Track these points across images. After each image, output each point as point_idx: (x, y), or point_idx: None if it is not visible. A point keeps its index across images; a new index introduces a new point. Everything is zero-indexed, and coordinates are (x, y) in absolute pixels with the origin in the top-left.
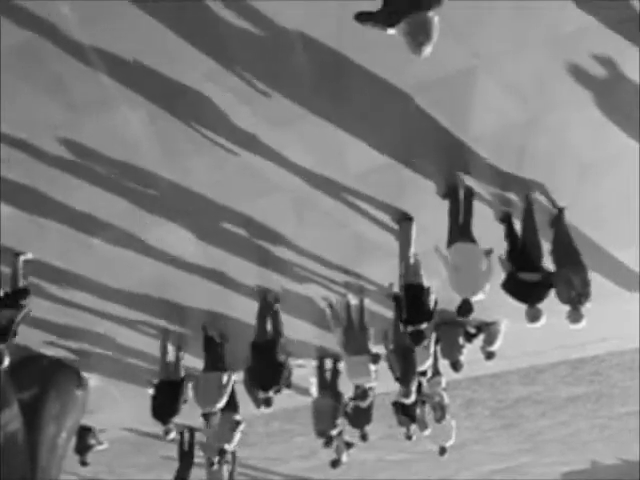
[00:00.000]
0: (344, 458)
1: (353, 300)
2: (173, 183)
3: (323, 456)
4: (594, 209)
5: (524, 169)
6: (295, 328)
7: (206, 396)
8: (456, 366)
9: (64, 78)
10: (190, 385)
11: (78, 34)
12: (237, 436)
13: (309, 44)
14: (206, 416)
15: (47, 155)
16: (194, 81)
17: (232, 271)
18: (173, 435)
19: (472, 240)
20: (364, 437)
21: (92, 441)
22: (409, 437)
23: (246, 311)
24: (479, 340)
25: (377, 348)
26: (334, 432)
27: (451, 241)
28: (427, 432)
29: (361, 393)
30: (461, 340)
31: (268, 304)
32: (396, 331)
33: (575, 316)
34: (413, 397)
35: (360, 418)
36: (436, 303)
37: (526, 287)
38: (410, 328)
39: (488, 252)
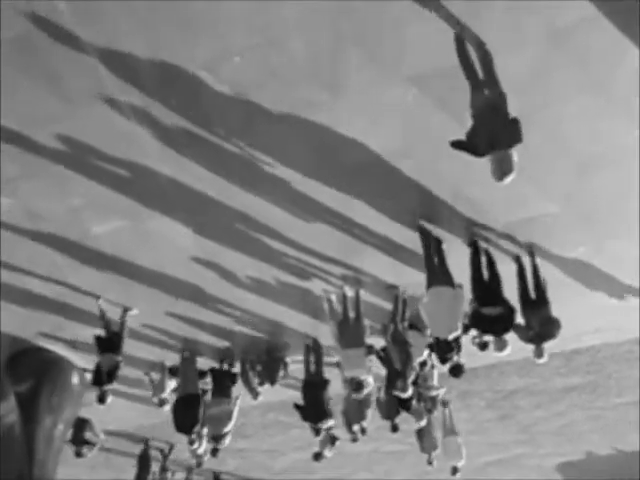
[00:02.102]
0: (327, 453)
1: (349, 292)
2: (169, 176)
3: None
4: (591, 202)
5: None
6: (291, 320)
7: (216, 421)
8: (445, 360)
9: (61, 71)
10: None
11: (74, 27)
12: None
13: (306, 34)
14: (216, 438)
15: (44, 148)
16: (190, 73)
17: (228, 264)
18: (197, 445)
19: (448, 283)
20: (363, 431)
21: (89, 433)
22: (394, 428)
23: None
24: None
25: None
26: (325, 425)
27: (428, 284)
28: (423, 422)
29: (356, 385)
30: None
31: (313, 348)
32: (394, 324)
33: (537, 352)
34: (410, 391)
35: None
36: None
37: (490, 321)
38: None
39: (459, 286)
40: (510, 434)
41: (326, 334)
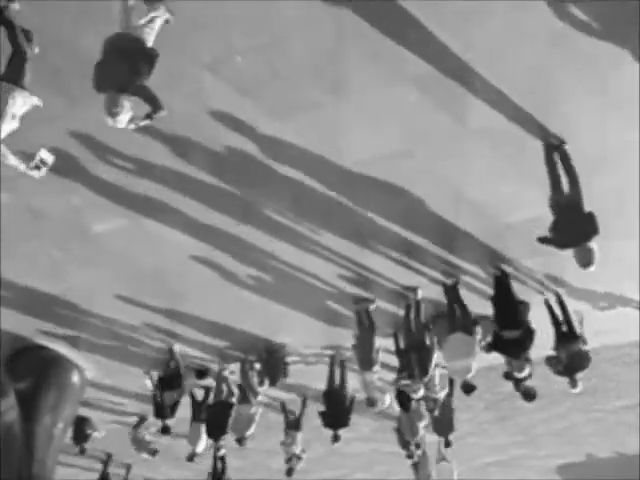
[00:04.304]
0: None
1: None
2: (172, 171)
3: (318, 448)
4: (592, 203)
5: (522, 165)
6: (291, 320)
7: (238, 426)
8: None
9: (63, 69)
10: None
11: (75, 24)
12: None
13: (308, 34)
14: (239, 440)
15: (45, 146)
16: (194, 71)
17: (228, 263)
18: (224, 451)
19: (468, 331)
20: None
21: (89, 430)
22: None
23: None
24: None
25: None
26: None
27: (450, 330)
28: (423, 422)
29: (369, 402)
30: None
31: (339, 362)
32: (407, 330)
33: (571, 383)
34: (422, 392)
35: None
36: None
37: (508, 344)
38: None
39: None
40: (509, 435)
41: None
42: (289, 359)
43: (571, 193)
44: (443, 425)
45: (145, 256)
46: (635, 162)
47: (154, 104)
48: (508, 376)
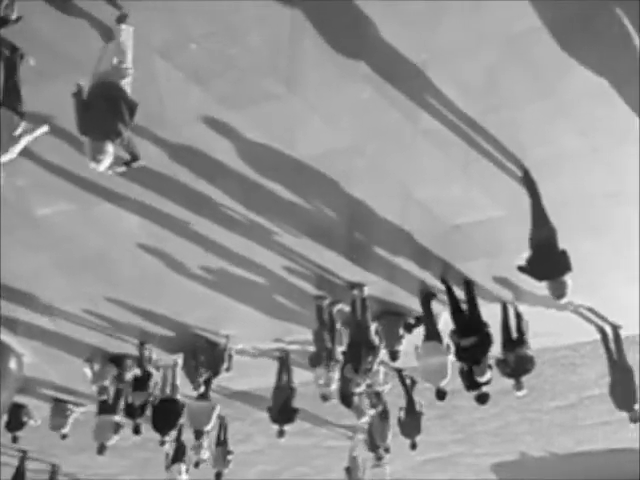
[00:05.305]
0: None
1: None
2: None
3: (259, 440)
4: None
5: (470, 167)
6: (239, 313)
7: (197, 420)
8: (394, 355)
9: None
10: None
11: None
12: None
13: (265, 27)
14: (198, 433)
15: None
16: (144, 56)
17: (175, 251)
18: (167, 446)
19: (437, 339)
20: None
21: (25, 418)
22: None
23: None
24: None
25: None
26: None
27: (425, 339)
28: (364, 419)
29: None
30: (401, 330)
31: (284, 361)
32: (352, 325)
33: (516, 386)
34: (363, 387)
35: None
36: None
37: (465, 350)
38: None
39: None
40: (448, 433)
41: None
42: (233, 352)
43: (548, 232)
44: (411, 428)
45: (91, 242)
46: (580, 168)
47: (133, 154)
48: (471, 385)
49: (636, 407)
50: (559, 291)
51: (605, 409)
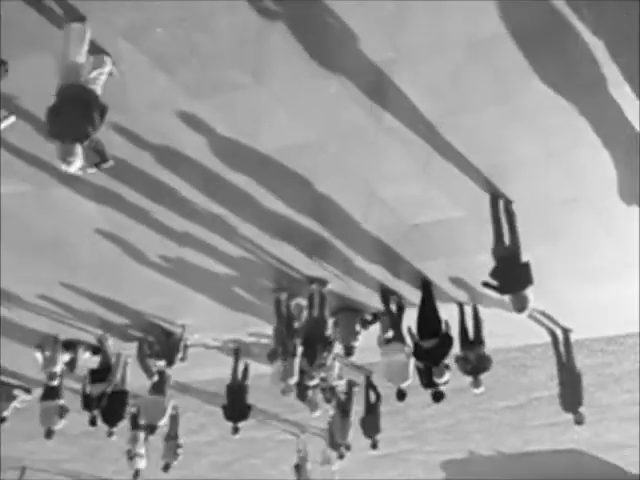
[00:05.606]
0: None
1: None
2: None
3: (212, 432)
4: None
5: (431, 167)
6: (197, 303)
7: (151, 415)
8: (349, 351)
9: None
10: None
11: None
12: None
13: (234, 16)
14: (152, 428)
15: None
16: (108, 38)
17: (134, 239)
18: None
19: (401, 340)
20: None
21: None
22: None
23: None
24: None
25: None
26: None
27: (390, 339)
28: (317, 413)
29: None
30: (358, 326)
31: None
32: (309, 321)
33: (474, 383)
34: (317, 380)
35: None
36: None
37: (426, 352)
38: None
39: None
40: (399, 430)
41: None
42: (189, 342)
43: (511, 246)
44: (370, 427)
45: (47, 225)
46: (536, 173)
47: (102, 155)
48: (428, 384)
49: (581, 410)
50: (520, 304)
51: (553, 410)
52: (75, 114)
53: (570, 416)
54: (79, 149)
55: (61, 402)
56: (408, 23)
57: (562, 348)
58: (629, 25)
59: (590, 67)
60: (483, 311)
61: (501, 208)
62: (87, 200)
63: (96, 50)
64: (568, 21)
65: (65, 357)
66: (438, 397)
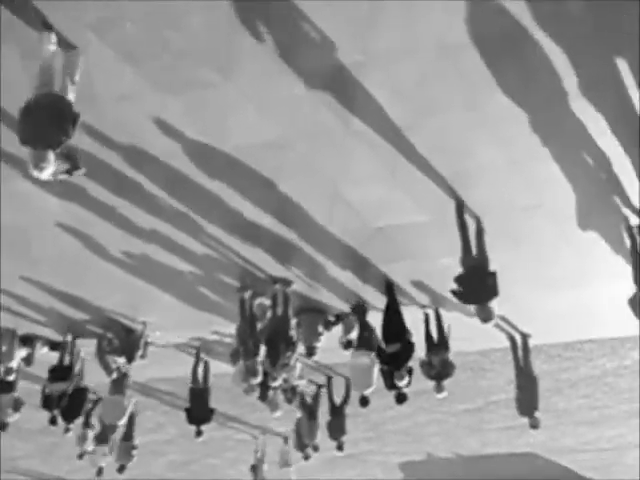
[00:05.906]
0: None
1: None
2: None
3: (170, 430)
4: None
5: (396, 170)
6: (159, 301)
7: (111, 414)
8: (311, 351)
9: None
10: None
11: None
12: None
13: (205, 13)
14: (111, 428)
15: None
16: (75, 30)
17: (96, 234)
18: (71, 433)
19: (368, 347)
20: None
21: None
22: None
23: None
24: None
25: None
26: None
27: (357, 347)
28: (277, 414)
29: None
30: (320, 327)
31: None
32: (272, 321)
33: (438, 388)
34: (279, 381)
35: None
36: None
37: (390, 356)
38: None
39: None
40: (360, 431)
41: (188, 319)
42: (150, 339)
43: (478, 258)
44: (337, 428)
45: (7, 218)
46: (498, 179)
47: (74, 162)
48: (392, 386)
49: (537, 414)
50: (485, 315)
51: (510, 414)
52: (47, 122)
53: (526, 420)
54: (51, 156)
55: (16, 395)
56: (379, 25)
57: (521, 353)
58: (591, 37)
59: (552, 81)
60: (444, 315)
61: (467, 218)
62: (49, 194)
63: (65, 45)
64: (532, 34)
65: (22, 352)
66: (401, 399)
